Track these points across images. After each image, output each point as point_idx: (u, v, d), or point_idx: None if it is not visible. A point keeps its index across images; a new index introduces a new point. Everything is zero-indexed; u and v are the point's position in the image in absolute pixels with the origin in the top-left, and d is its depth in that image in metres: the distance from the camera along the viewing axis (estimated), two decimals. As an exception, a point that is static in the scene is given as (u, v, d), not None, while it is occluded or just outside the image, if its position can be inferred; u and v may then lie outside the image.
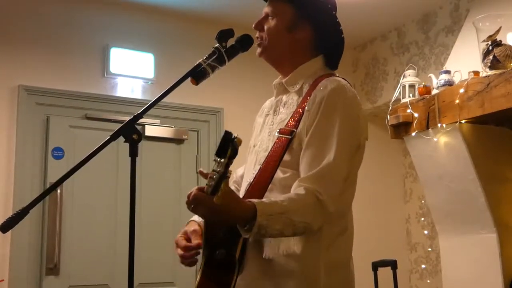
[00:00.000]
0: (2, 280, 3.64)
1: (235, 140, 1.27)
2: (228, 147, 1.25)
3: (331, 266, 1.66)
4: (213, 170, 1.32)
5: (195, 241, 1.71)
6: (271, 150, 1.72)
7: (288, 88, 1.83)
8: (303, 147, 1.67)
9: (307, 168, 1.64)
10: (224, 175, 1.26)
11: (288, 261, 1.62)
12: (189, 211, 1.50)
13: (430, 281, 4.85)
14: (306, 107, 1.70)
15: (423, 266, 4.95)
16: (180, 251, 1.73)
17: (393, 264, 3.82)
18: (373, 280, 3.87)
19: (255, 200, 1.52)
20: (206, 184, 1.38)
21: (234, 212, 1.48)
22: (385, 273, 3.86)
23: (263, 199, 1.56)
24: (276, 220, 1.50)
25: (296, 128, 1.69)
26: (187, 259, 1.72)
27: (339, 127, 1.66)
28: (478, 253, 3.54)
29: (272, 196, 1.65)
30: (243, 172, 1.98)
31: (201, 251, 1.70)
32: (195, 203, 1.45)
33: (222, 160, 1.26)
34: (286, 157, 1.68)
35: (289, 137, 1.69)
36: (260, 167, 1.71)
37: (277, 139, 1.72)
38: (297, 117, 1.72)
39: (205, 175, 1.45)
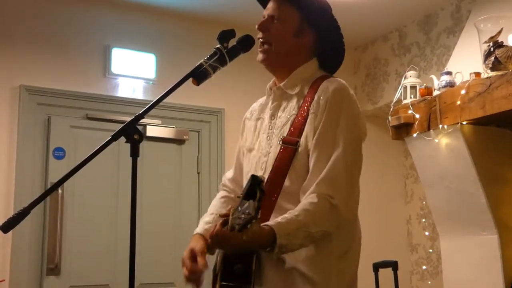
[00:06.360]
0: (3, 280, 3.64)
1: (262, 183, 1.35)
2: (256, 190, 1.34)
3: (342, 273, 1.71)
4: (239, 209, 1.39)
5: (202, 261, 1.73)
6: (276, 159, 1.74)
7: (288, 91, 1.84)
8: (310, 148, 1.70)
9: (315, 171, 1.67)
10: (255, 217, 1.34)
11: (303, 269, 1.65)
12: (212, 245, 1.59)
13: (431, 282, 4.85)
14: (311, 110, 1.73)
15: (424, 267, 4.95)
16: (186, 272, 1.74)
17: (394, 265, 3.82)
18: (374, 281, 3.87)
19: (271, 223, 1.56)
20: (231, 219, 1.43)
21: (257, 243, 1.53)
22: (386, 274, 3.86)
23: (279, 219, 1.59)
24: (295, 236, 1.56)
25: (300, 136, 1.72)
26: (192, 280, 1.73)
27: (344, 127, 1.70)
28: (479, 254, 3.53)
29: (281, 203, 1.69)
30: (234, 175, 2.02)
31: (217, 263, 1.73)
32: (220, 241, 1.52)
33: (251, 202, 1.34)
34: (292, 166, 1.71)
35: (294, 147, 1.72)
36: (269, 176, 1.73)
37: (281, 148, 1.74)
38: (300, 123, 1.74)
39: (225, 214, 1.52)
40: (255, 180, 1.35)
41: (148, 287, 4.12)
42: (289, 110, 1.81)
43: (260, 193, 1.32)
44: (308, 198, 1.63)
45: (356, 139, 1.74)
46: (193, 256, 1.76)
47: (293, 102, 1.81)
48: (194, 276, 1.72)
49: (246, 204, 1.35)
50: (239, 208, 1.38)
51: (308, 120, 1.72)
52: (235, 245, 1.51)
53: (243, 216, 1.34)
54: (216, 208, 1.95)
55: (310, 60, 1.87)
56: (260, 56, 1.87)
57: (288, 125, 1.77)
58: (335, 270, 1.68)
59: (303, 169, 1.70)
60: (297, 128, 1.74)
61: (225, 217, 1.53)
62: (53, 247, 3.88)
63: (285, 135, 1.76)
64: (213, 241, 1.54)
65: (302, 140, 1.71)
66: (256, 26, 1.87)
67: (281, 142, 1.74)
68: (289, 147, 1.72)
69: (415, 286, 5.04)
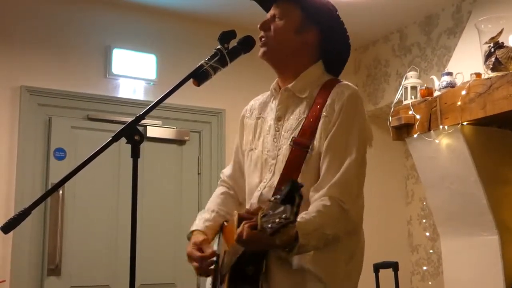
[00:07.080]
0: (4, 281, 3.64)
1: (300, 189, 1.34)
2: (295, 196, 1.32)
3: (349, 277, 1.73)
4: (270, 213, 1.37)
5: (208, 250, 1.74)
6: (287, 161, 1.73)
7: (297, 94, 1.82)
8: (322, 152, 1.70)
9: (328, 173, 1.67)
10: (292, 222, 1.32)
11: (311, 268, 1.66)
12: (240, 245, 1.55)
13: (431, 283, 4.84)
14: (323, 113, 1.72)
15: (424, 268, 4.94)
16: (195, 263, 1.75)
17: (394, 266, 3.82)
18: (375, 281, 3.87)
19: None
20: (262, 222, 1.39)
21: (283, 243, 1.52)
22: (386, 274, 3.86)
23: (298, 219, 1.55)
24: (312, 237, 1.56)
25: (313, 139, 1.72)
26: (204, 270, 1.74)
27: (357, 133, 1.71)
28: (479, 255, 3.53)
29: None
30: (232, 173, 2.01)
31: (221, 258, 1.73)
32: (250, 242, 1.50)
33: (289, 207, 1.32)
34: (303, 169, 1.71)
35: (307, 149, 1.71)
36: (280, 179, 1.72)
37: (293, 149, 1.73)
38: (311, 125, 1.73)
39: (249, 216, 1.53)
40: (294, 185, 1.34)
41: (149, 287, 4.12)
42: (299, 113, 1.79)
43: (298, 198, 1.32)
44: (321, 201, 1.64)
45: (364, 147, 1.75)
46: (198, 248, 1.77)
47: (303, 105, 1.80)
48: (204, 266, 1.73)
49: (281, 208, 1.33)
50: (270, 211, 1.37)
51: (321, 122, 1.72)
52: (264, 247, 1.56)
53: (277, 220, 1.32)
54: (216, 205, 1.95)
55: (316, 62, 1.86)
56: (260, 51, 1.86)
57: (298, 128, 1.76)
58: (343, 273, 1.69)
59: (314, 172, 1.70)
60: (308, 130, 1.73)
61: (247, 219, 1.52)
62: (53, 247, 3.88)
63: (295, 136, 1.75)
64: (242, 243, 1.52)
65: (315, 142, 1.71)
66: (258, 26, 1.87)
67: (292, 143, 1.73)
68: (301, 149, 1.72)
69: (416, 287, 5.04)
